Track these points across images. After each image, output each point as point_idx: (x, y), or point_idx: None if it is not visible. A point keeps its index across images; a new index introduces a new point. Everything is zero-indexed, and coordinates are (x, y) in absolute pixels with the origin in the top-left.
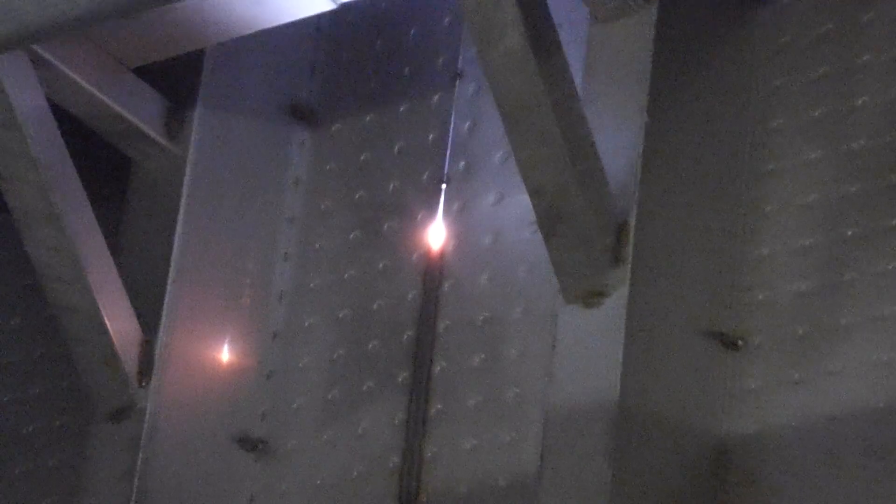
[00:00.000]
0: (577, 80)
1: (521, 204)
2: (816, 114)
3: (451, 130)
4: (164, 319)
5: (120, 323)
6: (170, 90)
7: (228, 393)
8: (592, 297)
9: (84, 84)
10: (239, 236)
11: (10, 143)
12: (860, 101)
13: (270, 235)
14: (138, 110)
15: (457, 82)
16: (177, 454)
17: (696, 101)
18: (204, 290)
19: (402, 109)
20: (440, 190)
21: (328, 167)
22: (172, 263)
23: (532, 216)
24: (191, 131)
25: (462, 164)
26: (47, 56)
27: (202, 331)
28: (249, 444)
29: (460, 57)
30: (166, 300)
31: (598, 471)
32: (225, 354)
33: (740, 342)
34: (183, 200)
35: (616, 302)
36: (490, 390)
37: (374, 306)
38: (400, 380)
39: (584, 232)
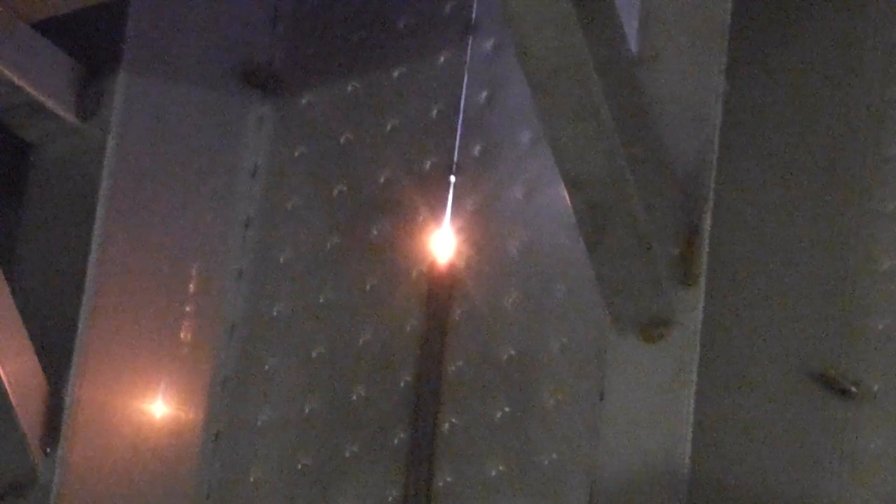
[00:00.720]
0: (631, 33)
1: (556, 201)
2: None
3: (462, 102)
4: (75, 363)
5: (17, 367)
6: (84, 52)
7: (163, 461)
8: (654, 327)
9: None
10: (177, 247)
11: None
12: None
13: (219, 245)
14: (41, 78)
15: (470, 37)
16: None
17: (792, 61)
18: (129, 321)
19: (395, 74)
20: (448, 183)
21: (296, 153)
22: (87, 285)
23: (572, 217)
24: (111, 106)
25: (477, 147)
26: None
27: (127, 377)
28: None
29: (475, 3)
30: (78, 336)
31: None
32: (158, 409)
33: (854, 388)
34: (101, 199)
35: (685, 334)
36: (518, 455)
37: (360, 341)
38: (395, 442)
39: (640, 239)
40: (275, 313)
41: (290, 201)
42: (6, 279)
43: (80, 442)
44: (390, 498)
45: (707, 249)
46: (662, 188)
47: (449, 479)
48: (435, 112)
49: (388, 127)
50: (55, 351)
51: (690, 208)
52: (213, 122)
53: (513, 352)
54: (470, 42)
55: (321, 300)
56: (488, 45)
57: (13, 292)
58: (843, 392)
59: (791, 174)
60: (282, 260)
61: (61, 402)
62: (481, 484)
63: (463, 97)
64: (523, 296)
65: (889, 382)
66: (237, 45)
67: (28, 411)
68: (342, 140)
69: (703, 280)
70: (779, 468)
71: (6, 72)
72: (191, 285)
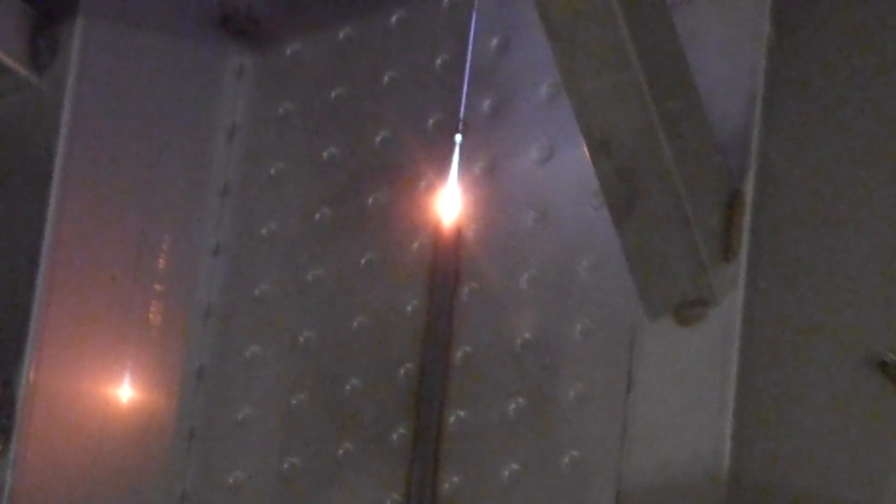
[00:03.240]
0: None
1: (579, 164)
2: None
3: (469, 50)
4: (28, 350)
5: None
6: None
7: (130, 462)
8: (689, 308)
9: None
10: (144, 219)
11: None
12: None
13: (192, 216)
14: None
15: None
16: None
17: (849, 1)
18: (90, 302)
19: (394, 19)
20: (454, 143)
21: (281, 110)
22: (42, 263)
23: (596, 183)
24: (69, 58)
25: (488, 102)
26: None
27: (88, 367)
28: None
29: None
30: (32, 320)
31: None
32: (123, 403)
33: None
34: (57, 164)
35: (725, 315)
36: (534, 453)
37: (354, 325)
38: (394, 438)
39: (676, 208)
40: (257, 293)
41: (274, 166)
42: None
43: (35, 439)
44: (389, 502)
45: (750, 219)
46: (700, 149)
47: (456, 480)
48: (439, 62)
49: (386, 79)
50: (6, 336)
51: (731, 171)
52: (185, 74)
53: (528, 336)
54: None
55: (310, 278)
56: None
57: None
58: None
59: (848, 132)
60: (264, 232)
61: (13, 393)
62: (493, 486)
63: (471, 44)
64: (540, 272)
65: None
66: None
67: None
68: (333, 95)
69: (745, 254)
70: (832, 469)
71: None
72: (160, 262)
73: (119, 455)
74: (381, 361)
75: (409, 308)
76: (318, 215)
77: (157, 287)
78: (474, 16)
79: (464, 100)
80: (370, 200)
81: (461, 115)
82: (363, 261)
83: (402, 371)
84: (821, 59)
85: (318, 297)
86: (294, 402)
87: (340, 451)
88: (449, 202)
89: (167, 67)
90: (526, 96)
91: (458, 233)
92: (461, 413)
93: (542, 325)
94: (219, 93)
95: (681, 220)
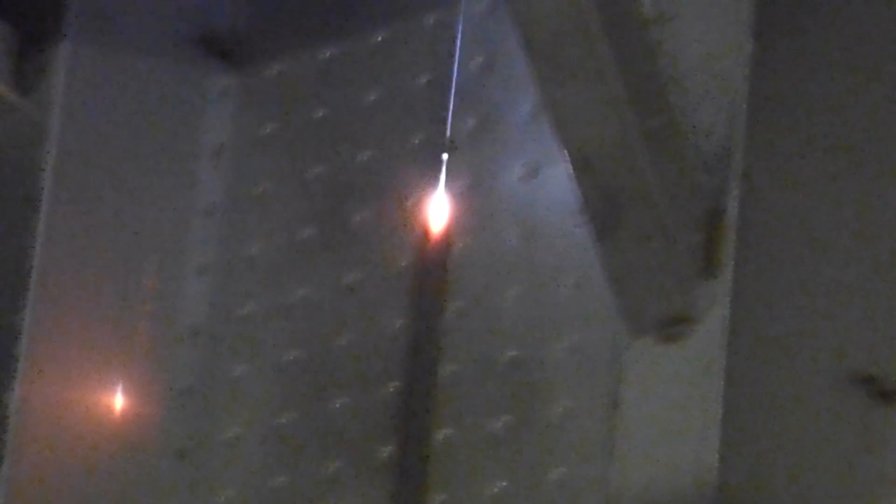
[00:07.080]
0: None
1: (563, 181)
2: None
3: (454, 70)
4: (20, 368)
5: None
6: (22, 18)
7: (119, 481)
8: (674, 325)
9: None
10: (131, 240)
11: None
12: None
13: (178, 237)
14: None
15: None
16: None
17: (831, 17)
18: (78, 324)
19: (378, 39)
20: (440, 161)
21: (265, 130)
22: (32, 285)
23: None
24: (54, 81)
25: (472, 121)
26: None
27: (77, 387)
28: None
29: None
30: (23, 339)
31: None
32: (112, 424)
33: None
34: (45, 187)
35: (709, 333)
36: (521, 470)
37: (340, 344)
38: (382, 457)
39: (658, 225)
40: (243, 313)
41: (259, 186)
42: None
43: (26, 456)
44: None
45: (734, 236)
46: (682, 166)
47: (443, 497)
48: (424, 81)
49: (371, 99)
50: None
51: (714, 189)
52: (170, 96)
53: (514, 354)
54: (463, 0)
55: (295, 298)
56: (483, 3)
57: None
58: (889, 397)
59: (831, 149)
60: (250, 253)
61: (4, 410)
62: (480, 503)
63: (456, 64)
64: (526, 290)
65: None
66: (196, 6)
67: None
68: (317, 115)
69: (729, 271)
70: (817, 484)
71: None
72: (147, 283)
73: (109, 475)
74: (368, 380)
75: (395, 326)
76: (303, 235)
77: (144, 308)
78: (459, 35)
79: (449, 119)
80: (355, 220)
81: (448, 133)
82: (349, 280)
83: (388, 389)
84: (803, 75)
85: (304, 317)
86: (281, 421)
87: (327, 471)
88: (434, 221)
89: (152, 89)
90: (511, 114)
91: (444, 251)
92: (448, 430)
93: (527, 342)
94: (204, 114)
95: (664, 238)
